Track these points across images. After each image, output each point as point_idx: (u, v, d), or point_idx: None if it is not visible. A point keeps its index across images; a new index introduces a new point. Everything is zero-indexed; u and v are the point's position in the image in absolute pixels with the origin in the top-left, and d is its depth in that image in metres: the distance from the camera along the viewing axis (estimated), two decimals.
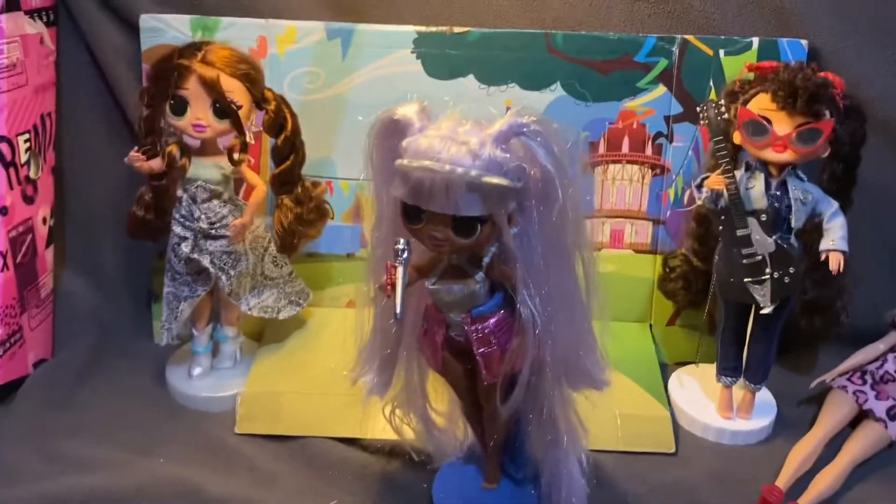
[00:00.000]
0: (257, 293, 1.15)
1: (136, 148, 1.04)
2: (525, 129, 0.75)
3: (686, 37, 1.20)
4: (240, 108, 1.01)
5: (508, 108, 0.94)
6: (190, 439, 1.09)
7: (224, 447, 1.08)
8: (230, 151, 1.03)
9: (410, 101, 0.80)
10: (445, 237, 0.78)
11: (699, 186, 1.04)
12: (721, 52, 1.20)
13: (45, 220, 1.22)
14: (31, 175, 1.17)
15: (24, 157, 1.14)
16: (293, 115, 1.08)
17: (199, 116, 1.01)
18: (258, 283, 1.15)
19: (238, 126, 1.02)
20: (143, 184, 1.13)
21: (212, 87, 0.99)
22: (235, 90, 1.01)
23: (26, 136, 1.15)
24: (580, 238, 0.81)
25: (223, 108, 1.01)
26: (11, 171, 1.12)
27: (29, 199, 1.17)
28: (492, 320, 0.84)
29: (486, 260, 0.81)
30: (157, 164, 1.05)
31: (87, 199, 1.30)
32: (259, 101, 1.05)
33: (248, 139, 1.03)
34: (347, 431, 1.09)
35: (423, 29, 1.20)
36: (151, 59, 1.16)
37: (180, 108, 1.01)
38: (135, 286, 1.33)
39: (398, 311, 0.77)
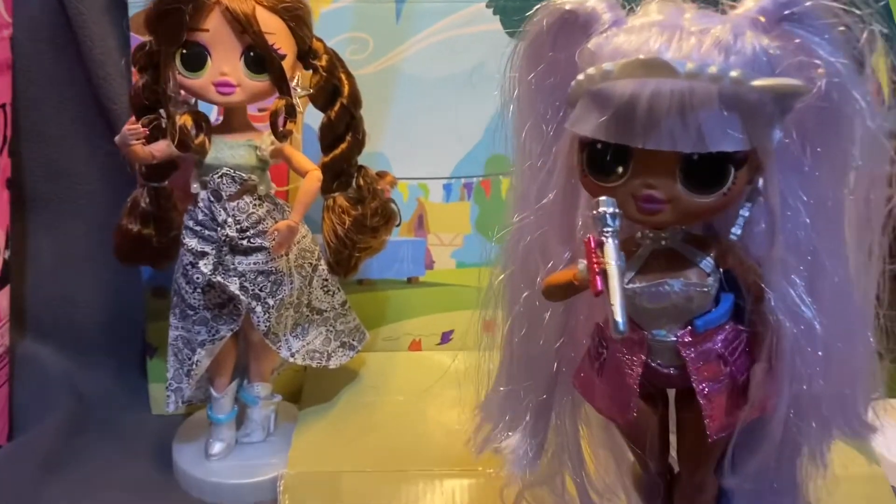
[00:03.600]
0: (301, 332, 0.85)
1: (131, 119, 0.73)
2: (798, 9, 0.47)
3: None
4: (283, 57, 0.71)
5: None
6: None
7: None
8: (274, 118, 0.72)
9: None
10: (669, 195, 0.49)
11: None
12: None
13: None
14: None
15: None
16: (350, 77, 0.80)
17: (224, 70, 0.72)
18: (302, 317, 0.85)
19: (282, 83, 0.72)
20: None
21: (245, 26, 0.69)
22: (277, 31, 0.72)
23: None
24: (877, 192, 0.51)
25: (260, 58, 0.71)
26: None
27: None
28: (719, 337, 0.54)
29: (735, 231, 0.50)
30: (161, 147, 0.75)
31: (53, 229, 1.00)
32: (306, 54, 0.75)
33: (295, 104, 0.73)
34: None
35: None
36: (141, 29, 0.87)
37: (197, 59, 0.72)
38: (121, 341, 1.03)
39: (620, 317, 0.46)
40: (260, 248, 0.77)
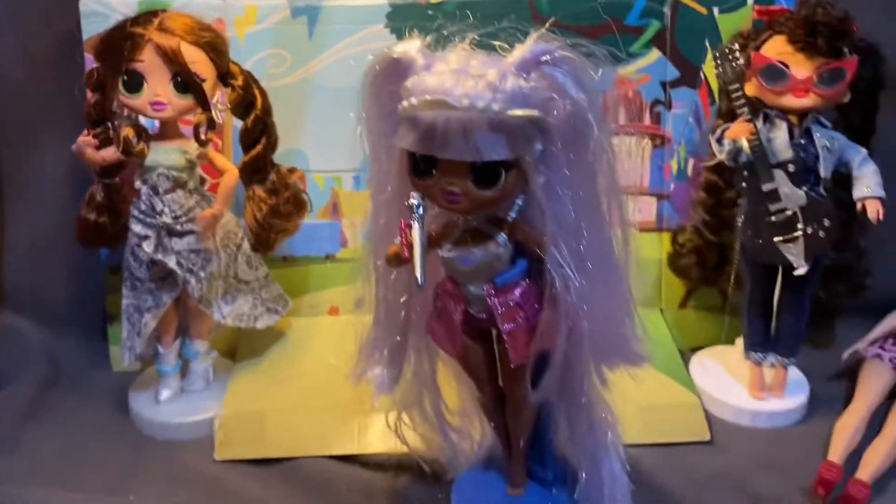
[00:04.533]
0: (230, 299, 1.02)
1: (85, 131, 0.91)
2: (550, 57, 0.66)
3: None
4: (203, 81, 0.89)
5: None
6: (163, 472, 0.95)
7: (203, 477, 0.94)
8: (196, 129, 0.91)
9: (410, 38, 0.70)
10: (463, 190, 0.67)
11: (719, 140, 0.96)
12: (715, 10, 1.12)
13: None
14: None
15: None
16: (263, 92, 0.97)
17: (157, 92, 0.89)
18: (231, 287, 1.02)
19: (203, 101, 0.90)
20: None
21: (172, 58, 0.87)
22: (198, 61, 0.89)
23: None
24: (613, 185, 0.70)
25: (185, 82, 0.89)
26: None
27: None
28: (517, 290, 0.73)
29: (511, 215, 0.70)
30: (110, 153, 0.92)
31: (24, 216, 1.16)
32: (224, 76, 0.93)
33: (215, 117, 0.91)
34: (344, 448, 0.97)
35: (396, 0, 1.11)
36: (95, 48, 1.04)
37: (135, 83, 0.89)
38: (86, 311, 1.18)
39: (419, 276, 0.65)
40: (191, 232, 0.94)
